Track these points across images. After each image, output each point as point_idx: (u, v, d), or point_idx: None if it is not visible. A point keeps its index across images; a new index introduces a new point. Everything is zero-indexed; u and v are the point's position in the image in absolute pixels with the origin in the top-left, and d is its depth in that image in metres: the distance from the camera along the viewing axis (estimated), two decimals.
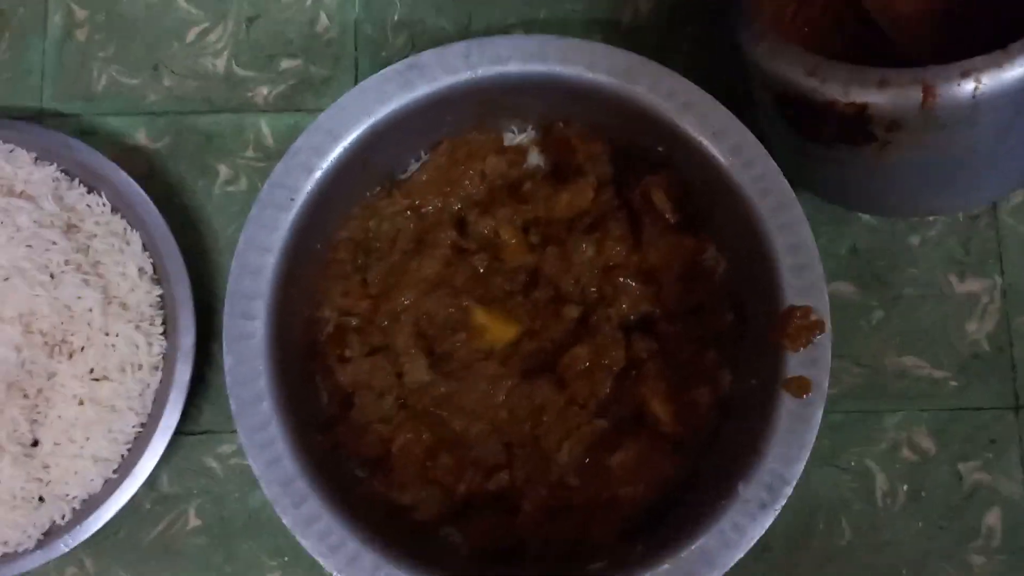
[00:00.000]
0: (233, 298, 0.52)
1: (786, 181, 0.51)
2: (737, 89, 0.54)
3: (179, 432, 0.57)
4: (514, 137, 0.60)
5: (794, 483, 0.48)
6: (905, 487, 0.59)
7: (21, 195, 0.59)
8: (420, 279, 0.57)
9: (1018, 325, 0.60)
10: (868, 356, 0.60)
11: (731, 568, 0.49)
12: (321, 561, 0.49)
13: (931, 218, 0.61)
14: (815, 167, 0.54)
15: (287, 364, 0.53)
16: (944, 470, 0.59)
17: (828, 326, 0.50)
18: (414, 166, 0.60)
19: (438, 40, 0.65)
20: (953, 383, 0.60)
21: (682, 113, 0.53)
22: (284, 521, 0.49)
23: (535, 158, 0.60)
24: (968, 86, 0.44)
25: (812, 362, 0.50)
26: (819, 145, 0.50)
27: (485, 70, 0.54)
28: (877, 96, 0.46)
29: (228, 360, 0.51)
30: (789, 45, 0.50)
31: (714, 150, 0.52)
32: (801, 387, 0.49)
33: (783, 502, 0.48)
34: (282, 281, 0.53)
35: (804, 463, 0.49)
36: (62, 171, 0.60)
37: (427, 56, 0.54)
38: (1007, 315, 0.60)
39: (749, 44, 0.51)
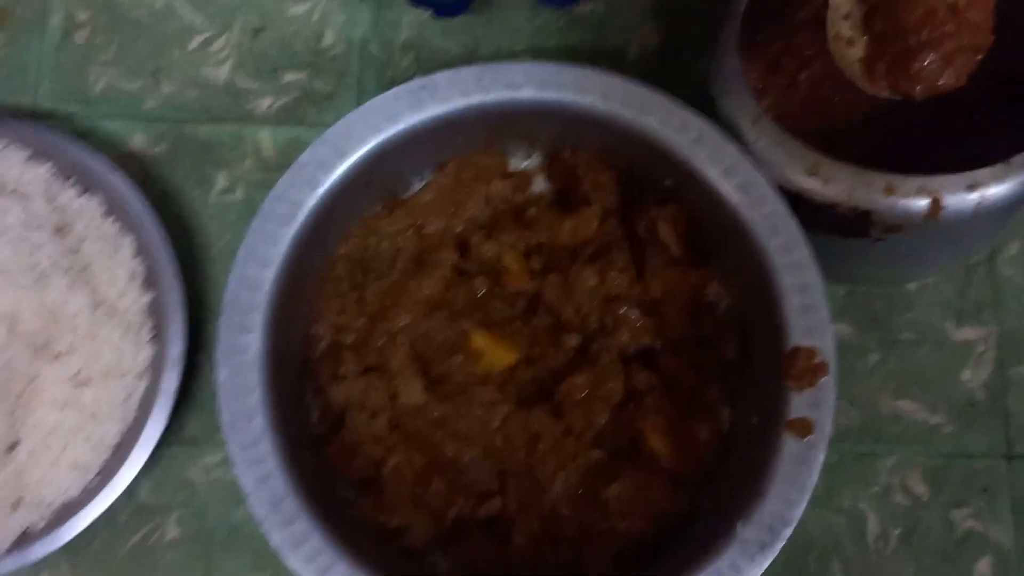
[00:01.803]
0: (230, 310, 0.51)
1: (794, 221, 0.51)
2: None
3: (161, 442, 0.56)
4: (520, 162, 0.60)
5: (794, 525, 0.48)
6: (897, 531, 0.58)
7: (12, 193, 0.58)
8: (419, 300, 0.56)
9: (1012, 374, 0.60)
10: (864, 398, 0.60)
11: None
12: None
13: None
14: None
15: (280, 380, 0.52)
16: (936, 515, 0.58)
17: (833, 368, 0.49)
18: (417, 185, 0.59)
19: (444, 63, 0.65)
20: (948, 429, 0.59)
21: (694, 148, 0.52)
22: (272, 540, 0.48)
23: (540, 184, 0.60)
24: (973, 197, 0.45)
25: (815, 404, 0.49)
26: (807, 230, 0.50)
27: (497, 95, 0.54)
28: (882, 203, 0.46)
29: (222, 373, 0.50)
30: (787, 136, 0.48)
31: (724, 186, 0.52)
32: (804, 428, 0.49)
33: (782, 544, 0.48)
34: (280, 295, 0.52)
35: (804, 505, 0.48)
36: (56, 171, 0.59)
37: (440, 77, 0.54)
38: (1002, 364, 0.60)
39: (743, 127, 0.50)
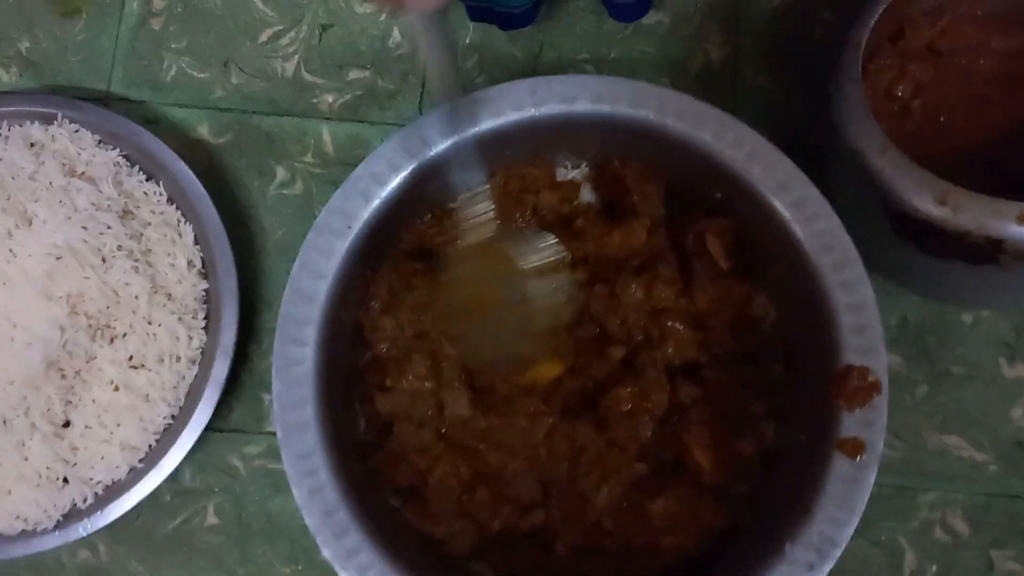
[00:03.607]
0: (285, 323, 0.51)
1: (849, 239, 0.50)
2: (802, 147, 0.54)
3: (207, 428, 0.57)
4: (567, 172, 0.60)
5: (843, 546, 0.47)
6: (934, 567, 0.57)
7: (82, 176, 0.59)
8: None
9: None
10: (909, 431, 0.59)
11: None
12: None
13: None
14: (904, 263, 0.52)
15: (331, 390, 0.52)
16: (976, 555, 0.58)
17: (886, 388, 0.49)
18: (465, 195, 0.59)
19: (507, 67, 0.65)
20: (993, 467, 0.59)
21: (747, 163, 0.52)
22: (324, 553, 0.48)
23: (588, 194, 0.60)
24: None
25: (867, 424, 0.48)
26: (926, 255, 0.49)
27: (550, 108, 0.54)
28: (1014, 231, 0.45)
29: (276, 386, 0.50)
30: (915, 165, 0.47)
31: (777, 202, 0.52)
32: (855, 448, 0.48)
33: (831, 565, 0.47)
34: (333, 308, 0.53)
35: (854, 527, 0.47)
36: (124, 156, 0.61)
37: (495, 91, 0.54)
38: None
39: (870, 156, 0.49)
